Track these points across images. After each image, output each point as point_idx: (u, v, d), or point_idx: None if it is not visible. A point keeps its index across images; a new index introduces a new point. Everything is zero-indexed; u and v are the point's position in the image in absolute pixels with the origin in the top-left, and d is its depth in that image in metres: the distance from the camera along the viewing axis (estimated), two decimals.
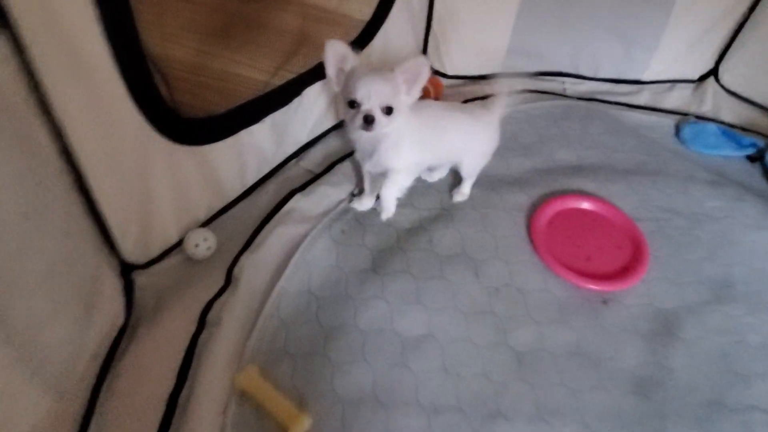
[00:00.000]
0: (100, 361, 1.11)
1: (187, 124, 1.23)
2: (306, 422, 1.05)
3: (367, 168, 1.39)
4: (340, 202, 1.48)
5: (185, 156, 1.26)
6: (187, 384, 1.10)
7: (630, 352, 1.25)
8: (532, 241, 1.44)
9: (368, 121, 1.17)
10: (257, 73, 1.46)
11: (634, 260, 1.42)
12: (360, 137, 1.30)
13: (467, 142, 1.43)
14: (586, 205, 1.55)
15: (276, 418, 1.06)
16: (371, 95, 1.16)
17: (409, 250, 1.38)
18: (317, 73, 1.52)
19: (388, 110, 1.18)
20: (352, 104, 1.18)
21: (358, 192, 1.52)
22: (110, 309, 1.17)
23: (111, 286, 1.19)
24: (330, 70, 1.22)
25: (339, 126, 1.72)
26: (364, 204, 1.47)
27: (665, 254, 1.45)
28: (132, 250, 1.23)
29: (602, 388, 1.18)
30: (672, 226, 1.52)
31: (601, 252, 1.45)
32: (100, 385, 1.08)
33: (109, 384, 1.09)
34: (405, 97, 1.21)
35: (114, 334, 1.16)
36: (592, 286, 1.35)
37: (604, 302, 1.34)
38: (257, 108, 1.39)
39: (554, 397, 1.16)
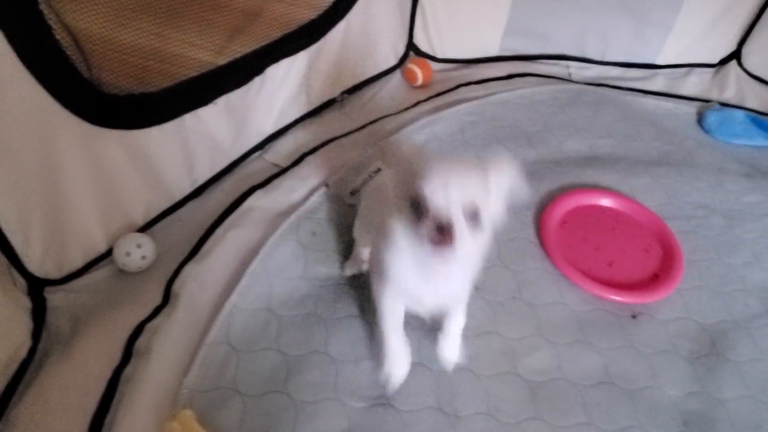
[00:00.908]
0: None
1: (111, 102, 0.98)
2: None
3: (424, 309, 0.90)
4: (310, 194, 1.22)
5: (111, 142, 1.01)
6: None
7: (671, 379, 1.01)
8: (542, 244, 1.20)
9: (444, 233, 0.69)
10: (204, 52, 1.20)
11: (665, 266, 1.18)
12: (424, 259, 0.78)
13: None
14: (604, 201, 1.31)
15: None
16: (451, 192, 0.69)
17: None
18: (283, 48, 1.28)
19: (474, 216, 0.71)
20: (417, 205, 0.72)
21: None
22: (9, 336, 0.91)
23: (11, 308, 0.93)
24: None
25: (311, 114, 1.47)
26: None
27: (702, 258, 1.21)
28: (40, 261, 0.98)
29: (640, 427, 0.93)
30: (707, 226, 1.28)
31: (625, 256, 1.20)
32: None
33: None
34: (497, 201, 0.74)
35: (13, 368, 0.90)
36: (618, 298, 1.11)
37: (634, 317, 1.09)
38: (204, 86, 1.14)
39: None
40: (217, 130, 1.21)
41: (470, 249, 0.73)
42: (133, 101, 1.01)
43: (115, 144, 1.01)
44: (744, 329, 1.09)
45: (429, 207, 0.70)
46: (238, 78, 1.20)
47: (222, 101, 1.18)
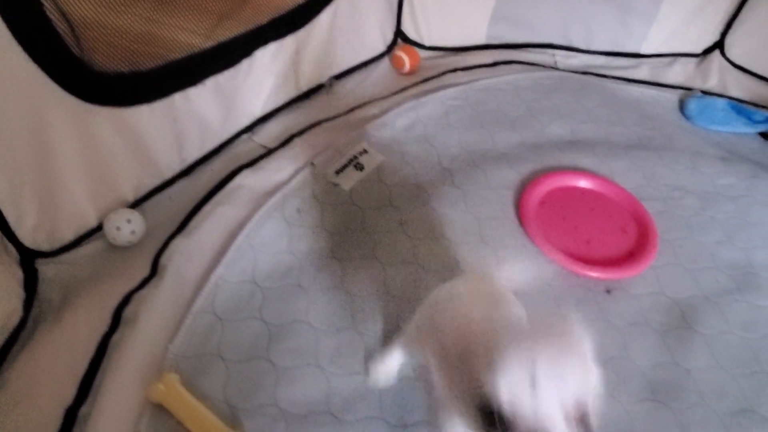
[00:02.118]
0: None
1: (101, 80, 1.01)
2: None
3: None
4: (296, 173, 1.25)
5: (101, 119, 1.04)
6: (91, 395, 0.87)
7: (641, 349, 1.04)
8: (521, 223, 1.23)
9: None
10: (194, 36, 1.21)
11: (640, 244, 1.22)
12: None
13: None
14: (583, 182, 1.34)
15: None
16: (544, 392, 0.48)
17: (376, 232, 1.16)
18: (270, 32, 1.31)
19: (583, 420, 0.49)
20: (492, 418, 0.49)
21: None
22: (1, 304, 0.94)
23: (4, 276, 0.96)
24: None
25: (300, 99, 1.50)
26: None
27: (676, 237, 1.25)
28: (32, 233, 1.01)
29: (610, 395, 0.97)
30: (682, 206, 1.32)
31: (602, 235, 1.24)
32: None
33: None
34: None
35: (5, 335, 0.93)
36: (594, 274, 1.14)
37: (608, 292, 1.13)
38: (193, 67, 1.16)
39: None
40: (206, 111, 1.24)
41: None
42: (122, 79, 1.04)
43: (106, 121, 1.04)
44: (714, 304, 1.13)
45: (514, 420, 0.46)
46: (227, 60, 1.23)
47: (211, 82, 1.21)
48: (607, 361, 1.00)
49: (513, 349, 0.49)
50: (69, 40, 0.93)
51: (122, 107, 1.06)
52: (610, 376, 0.98)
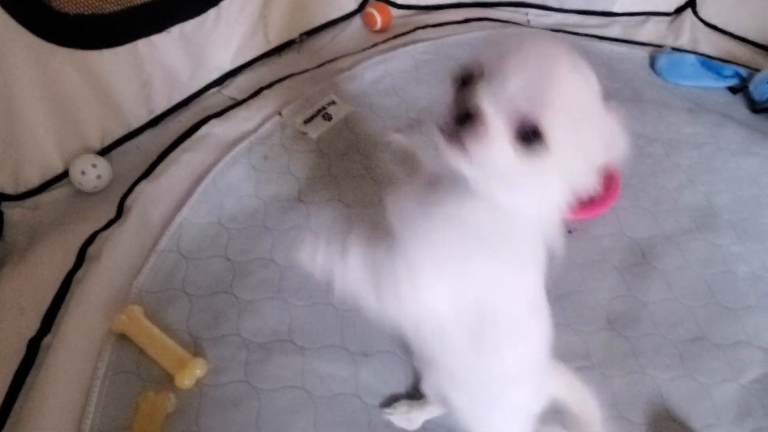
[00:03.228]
0: None
1: (61, 19, 1.01)
2: (197, 369, 0.84)
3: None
4: (264, 122, 1.26)
5: (63, 61, 1.04)
6: (54, 327, 0.89)
7: (600, 285, 1.07)
8: None
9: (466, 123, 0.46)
10: None
11: (602, 188, 1.23)
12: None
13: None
14: None
15: (161, 364, 0.85)
16: (513, 80, 0.45)
17: (342, 176, 1.18)
18: None
19: (533, 135, 0.46)
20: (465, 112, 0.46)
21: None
22: None
23: None
24: None
25: (270, 54, 1.50)
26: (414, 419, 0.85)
27: (639, 182, 1.27)
28: None
29: (568, 326, 1.00)
30: (646, 153, 1.34)
31: None
32: None
33: None
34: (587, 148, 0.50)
35: None
36: None
37: (570, 232, 1.15)
38: (157, 12, 1.16)
39: None
40: (172, 61, 1.24)
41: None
42: (83, 21, 1.04)
43: (68, 63, 1.04)
44: (673, 243, 1.15)
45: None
46: (192, 8, 1.22)
47: (176, 30, 1.20)
48: (566, 295, 1.04)
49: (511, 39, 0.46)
50: None
51: (85, 50, 1.06)
52: (568, 309, 1.01)
